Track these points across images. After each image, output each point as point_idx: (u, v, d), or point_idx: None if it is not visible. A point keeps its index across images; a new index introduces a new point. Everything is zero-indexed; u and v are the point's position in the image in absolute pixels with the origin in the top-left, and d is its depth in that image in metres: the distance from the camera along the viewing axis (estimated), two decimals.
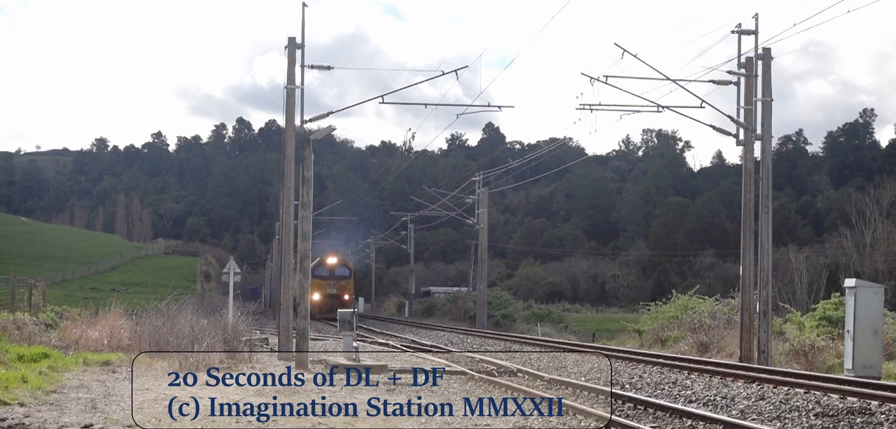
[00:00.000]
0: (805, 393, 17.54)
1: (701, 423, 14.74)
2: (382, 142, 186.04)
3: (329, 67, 28.23)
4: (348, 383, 20.32)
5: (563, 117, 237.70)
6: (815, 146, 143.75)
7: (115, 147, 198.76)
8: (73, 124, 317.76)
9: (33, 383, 17.71)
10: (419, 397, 18.10)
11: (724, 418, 14.78)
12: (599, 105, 29.29)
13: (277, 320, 30.37)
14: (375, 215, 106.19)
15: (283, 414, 15.23)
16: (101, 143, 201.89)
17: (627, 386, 20.56)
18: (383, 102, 28.56)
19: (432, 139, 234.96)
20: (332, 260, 66.78)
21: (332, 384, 20.06)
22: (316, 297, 61.88)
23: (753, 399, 17.34)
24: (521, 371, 23.47)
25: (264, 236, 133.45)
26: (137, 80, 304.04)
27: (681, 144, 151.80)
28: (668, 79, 27.60)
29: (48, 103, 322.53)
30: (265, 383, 19.89)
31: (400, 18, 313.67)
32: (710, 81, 28.22)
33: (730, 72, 27.56)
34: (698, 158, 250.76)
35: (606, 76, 27.59)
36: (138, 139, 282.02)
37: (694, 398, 18.11)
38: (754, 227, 27.71)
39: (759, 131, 27.23)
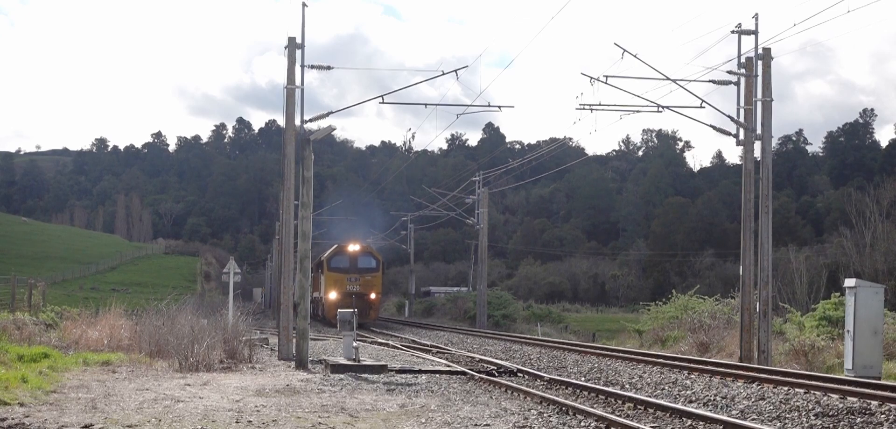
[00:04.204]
0: (805, 393, 17.54)
1: (701, 423, 14.74)
2: (382, 142, 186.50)
3: (329, 67, 28.23)
4: (348, 383, 20.33)
5: (563, 117, 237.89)
6: (815, 146, 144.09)
7: (115, 147, 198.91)
8: (73, 124, 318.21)
9: (33, 383, 17.70)
10: (419, 397, 18.11)
11: (724, 418, 14.77)
12: (599, 105, 29.31)
13: (277, 320, 30.36)
14: (375, 215, 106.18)
15: (284, 414, 15.23)
16: (101, 143, 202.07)
17: (627, 386, 20.55)
18: (383, 102, 28.60)
19: (432, 139, 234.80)
20: (353, 248, 53.13)
21: (332, 384, 20.07)
22: (332, 296, 51.31)
23: (753, 399, 17.34)
24: (521, 371, 23.47)
25: (264, 236, 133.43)
26: (137, 80, 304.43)
27: (681, 144, 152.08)
28: (668, 79, 27.61)
29: (48, 103, 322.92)
30: (265, 384, 19.90)
31: (399, 18, 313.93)
32: (710, 81, 28.23)
33: (730, 72, 27.56)
34: (698, 158, 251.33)
35: (606, 76, 27.60)
36: (138, 139, 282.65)
37: (694, 398, 18.10)
38: (754, 227, 27.71)
39: (759, 131, 27.23)
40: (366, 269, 52.35)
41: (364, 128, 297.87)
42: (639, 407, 16.79)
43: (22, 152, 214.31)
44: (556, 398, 17.44)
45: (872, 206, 69.86)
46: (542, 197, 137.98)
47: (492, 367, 24.52)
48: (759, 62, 26.97)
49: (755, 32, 26.92)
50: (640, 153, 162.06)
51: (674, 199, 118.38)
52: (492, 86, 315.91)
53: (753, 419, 15.29)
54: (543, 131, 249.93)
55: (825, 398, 16.74)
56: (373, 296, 51.99)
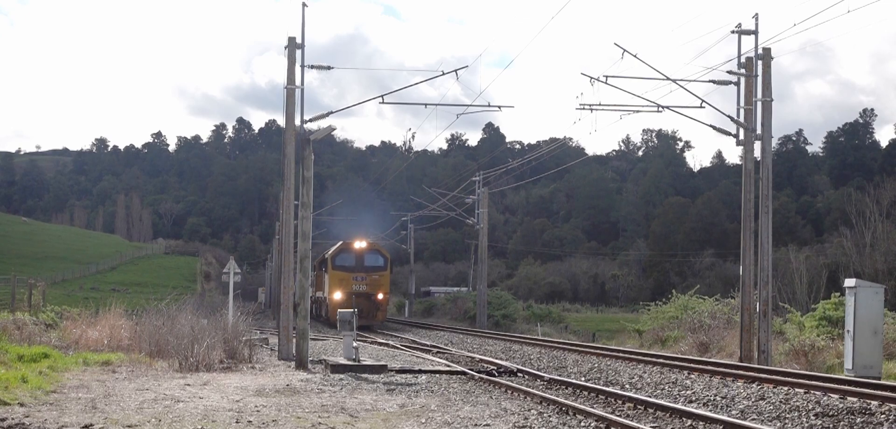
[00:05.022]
0: (805, 393, 17.54)
1: (701, 423, 14.73)
2: (382, 142, 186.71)
3: (329, 67, 28.25)
4: (348, 384, 20.33)
5: (563, 117, 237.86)
6: (815, 146, 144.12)
7: (115, 147, 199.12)
8: (73, 124, 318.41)
9: (33, 383, 17.70)
10: (419, 397, 18.10)
11: (724, 418, 14.77)
12: (599, 105, 29.30)
13: (277, 320, 30.36)
14: (375, 215, 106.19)
15: (284, 414, 15.22)
16: (101, 143, 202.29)
17: (627, 386, 20.55)
18: (383, 102, 28.61)
19: (432, 139, 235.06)
20: (360, 245, 49.89)
21: (332, 384, 20.07)
22: (337, 296, 47.99)
23: (753, 399, 17.34)
24: (521, 371, 23.47)
25: (264, 236, 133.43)
26: (137, 80, 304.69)
27: (681, 144, 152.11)
28: (667, 79, 27.59)
29: (48, 103, 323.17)
30: (265, 384, 19.89)
31: (399, 18, 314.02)
32: (709, 81, 28.22)
33: (730, 72, 27.55)
34: (698, 158, 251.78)
35: (606, 76, 27.58)
36: (138, 139, 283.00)
37: (694, 398, 18.10)
38: (754, 227, 27.70)
39: (759, 131, 27.23)
40: (373, 267, 49.30)
41: (364, 128, 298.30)
42: (639, 407, 16.79)
43: (22, 152, 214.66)
44: (556, 398, 17.44)
45: (872, 206, 69.83)
46: (542, 197, 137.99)
47: (492, 367, 24.51)
48: (759, 62, 26.95)
49: (755, 32, 26.92)
50: (640, 153, 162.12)
51: (674, 199, 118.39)
52: (492, 86, 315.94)
53: (753, 419, 15.29)
54: (543, 131, 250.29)
55: (825, 398, 16.74)
56: (380, 296, 49.08)
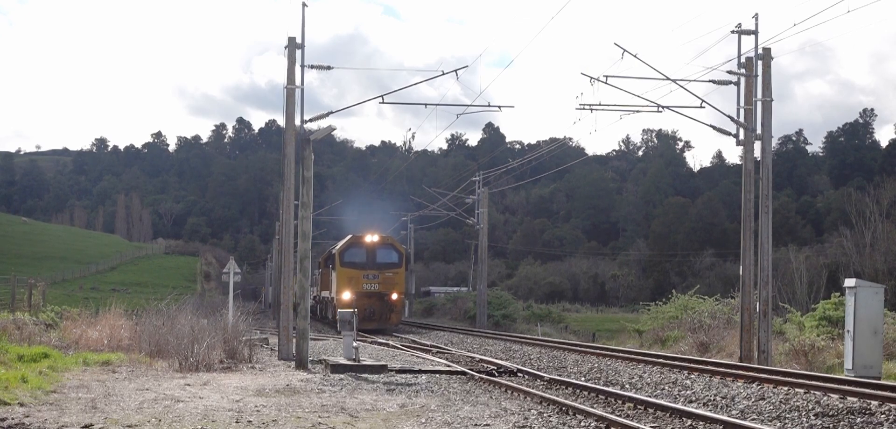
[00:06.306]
0: (805, 393, 17.53)
1: (701, 423, 14.73)
2: (382, 142, 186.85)
3: (329, 67, 28.24)
4: (348, 383, 20.33)
5: (563, 117, 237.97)
6: (815, 146, 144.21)
7: (115, 147, 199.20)
8: (73, 124, 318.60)
9: (33, 383, 17.69)
10: (419, 397, 18.10)
11: (724, 418, 14.76)
12: (599, 105, 29.28)
13: (277, 320, 30.35)
14: (375, 215, 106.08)
15: (284, 414, 15.22)
16: (101, 143, 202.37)
17: (627, 386, 20.54)
18: (383, 102, 28.59)
19: (432, 139, 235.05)
20: (371, 239, 45.83)
21: (332, 384, 20.07)
22: (346, 296, 43.41)
23: (753, 399, 17.33)
24: (521, 371, 23.46)
25: (264, 236, 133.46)
26: (137, 80, 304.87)
27: (681, 144, 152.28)
28: (667, 79, 27.58)
29: (48, 103, 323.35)
30: (265, 384, 19.90)
31: (399, 18, 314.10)
32: (709, 81, 28.21)
33: (730, 72, 27.54)
34: (698, 158, 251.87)
35: (606, 76, 27.57)
36: (138, 139, 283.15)
37: (694, 398, 18.09)
38: (754, 227, 27.69)
39: (759, 131, 27.22)
40: (386, 264, 45.56)
41: (364, 128, 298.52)
42: (639, 407, 16.78)
43: (22, 152, 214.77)
44: (556, 398, 17.44)
45: (872, 206, 69.86)
46: (542, 197, 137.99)
47: (492, 367, 24.50)
48: (759, 62, 26.94)
49: (755, 32, 26.91)
50: (640, 153, 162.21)
51: (674, 199, 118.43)
52: (492, 86, 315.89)
53: (753, 419, 15.28)
54: (543, 131, 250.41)
55: (825, 398, 16.74)
56: (394, 296, 45.41)
